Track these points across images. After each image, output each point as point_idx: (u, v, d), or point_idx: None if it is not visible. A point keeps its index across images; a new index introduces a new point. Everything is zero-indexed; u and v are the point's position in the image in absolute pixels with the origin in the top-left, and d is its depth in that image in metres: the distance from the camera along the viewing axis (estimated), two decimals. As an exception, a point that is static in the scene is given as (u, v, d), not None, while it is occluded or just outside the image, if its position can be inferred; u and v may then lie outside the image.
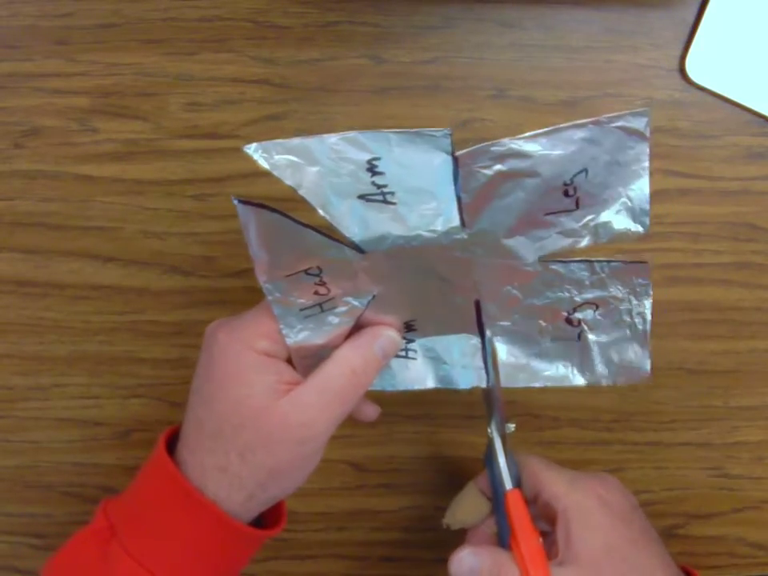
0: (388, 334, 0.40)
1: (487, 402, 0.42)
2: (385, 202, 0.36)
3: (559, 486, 0.41)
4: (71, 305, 0.50)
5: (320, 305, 0.39)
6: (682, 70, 0.49)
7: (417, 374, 0.43)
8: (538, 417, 0.50)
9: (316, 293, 0.38)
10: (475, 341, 0.42)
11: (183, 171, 0.49)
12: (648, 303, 0.40)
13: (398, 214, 0.36)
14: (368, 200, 0.36)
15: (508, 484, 0.40)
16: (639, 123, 0.35)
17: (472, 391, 0.50)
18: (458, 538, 0.50)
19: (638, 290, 0.40)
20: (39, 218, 0.49)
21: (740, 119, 0.49)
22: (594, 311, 0.40)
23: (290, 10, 0.49)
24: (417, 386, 0.43)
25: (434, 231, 0.37)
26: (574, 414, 0.50)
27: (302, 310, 0.39)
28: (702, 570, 0.50)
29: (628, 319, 0.41)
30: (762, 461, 0.50)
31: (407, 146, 0.35)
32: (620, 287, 0.40)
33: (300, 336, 0.39)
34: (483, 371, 0.42)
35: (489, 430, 0.42)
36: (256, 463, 0.37)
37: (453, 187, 0.36)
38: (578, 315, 0.41)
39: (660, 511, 0.50)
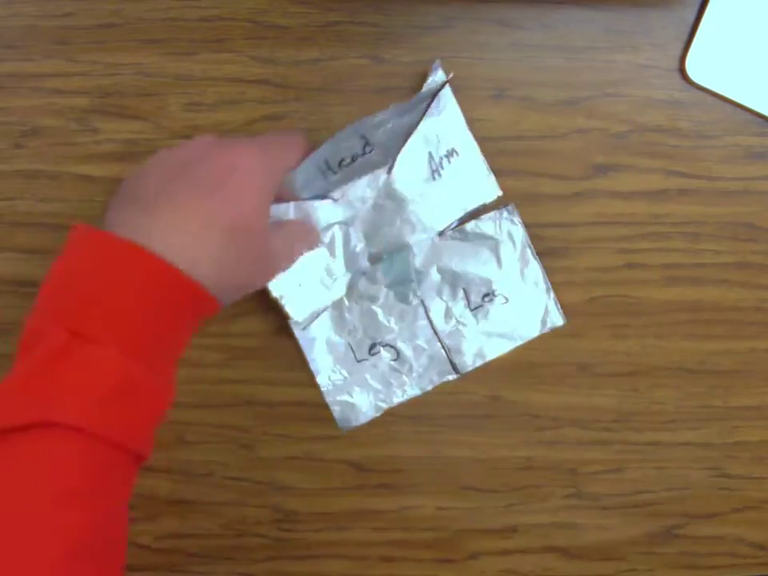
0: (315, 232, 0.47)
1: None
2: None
3: None
4: (71, 305, 0.50)
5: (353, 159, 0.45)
6: (682, 70, 0.49)
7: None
8: (537, 417, 0.50)
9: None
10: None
11: (183, 171, 0.49)
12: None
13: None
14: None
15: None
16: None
17: (471, 391, 0.50)
18: (458, 538, 0.50)
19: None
20: (39, 218, 0.49)
21: (740, 119, 0.49)
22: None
23: (290, 10, 0.49)
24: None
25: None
26: (573, 414, 0.50)
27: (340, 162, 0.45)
28: (702, 570, 0.51)
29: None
30: (762, 461, 0.50)
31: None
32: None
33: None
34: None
35: None
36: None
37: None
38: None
39: (660, 511, 0.50)
